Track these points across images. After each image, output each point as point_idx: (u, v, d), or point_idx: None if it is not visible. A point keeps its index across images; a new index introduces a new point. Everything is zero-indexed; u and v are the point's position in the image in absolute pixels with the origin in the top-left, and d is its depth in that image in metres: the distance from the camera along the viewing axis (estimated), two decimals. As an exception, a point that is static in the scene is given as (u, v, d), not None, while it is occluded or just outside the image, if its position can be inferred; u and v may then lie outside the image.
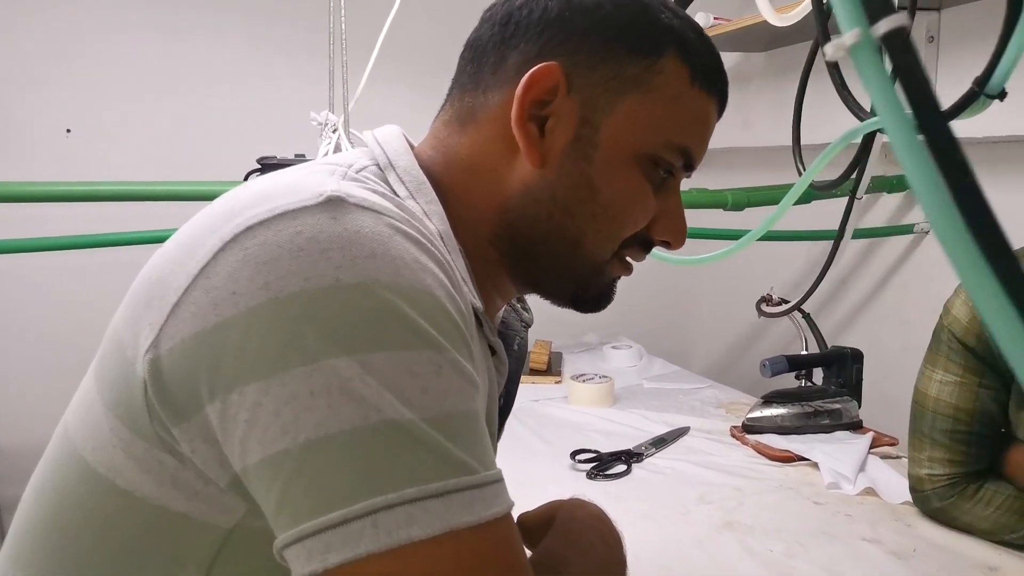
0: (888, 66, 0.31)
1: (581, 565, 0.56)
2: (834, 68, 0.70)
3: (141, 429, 0.45)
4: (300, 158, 1.47)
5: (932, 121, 0.29)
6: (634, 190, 0.56)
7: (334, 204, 0.45)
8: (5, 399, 1.95)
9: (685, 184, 1.58)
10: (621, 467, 1.25)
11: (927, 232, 1.78)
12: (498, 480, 0.44)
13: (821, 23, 0.66)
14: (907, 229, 1.79)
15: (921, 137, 0.29)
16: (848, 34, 0.30)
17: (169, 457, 0.45)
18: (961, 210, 0.28)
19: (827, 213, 1.71)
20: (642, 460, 1.29)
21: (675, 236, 0.60)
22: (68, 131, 1.96)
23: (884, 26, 0.29)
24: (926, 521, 1.05)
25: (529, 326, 0.73)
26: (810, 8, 0.71)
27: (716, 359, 2.48)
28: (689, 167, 0.58)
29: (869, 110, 0.76)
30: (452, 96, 0.60)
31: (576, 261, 0.58)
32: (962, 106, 0.52)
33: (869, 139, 0.81)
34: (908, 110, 0.30)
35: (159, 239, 1.60)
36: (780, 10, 0.84)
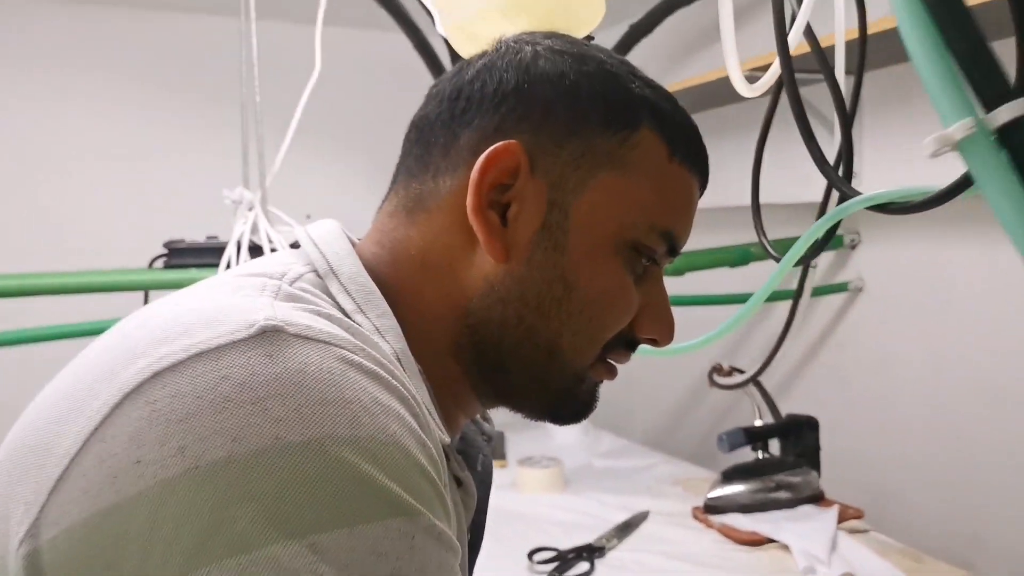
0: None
1: None
2: (810, 139, 0.65)
3: None
4: (212, 240, 1.35)
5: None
6: (615, 283, 0.48)
7: (269, 337, 0.35)
8: None
9: None
10: (584, 566, 1.15)
11: (861, 288, 1.78)
12: None
13: (791, 82, 0.61)
14: (842, 287, 1.80)
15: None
16: (957, 125, 0.23)
17: None
18: None
19: (752, 275, 1.71)
20: (604, 554, 1.19)
21: (663, 332, 0.52)
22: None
23: (1005, 115, 0.23)
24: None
25: (492, 439, 0.63)
26: (778, 73, 0.66)
27: (656, 425, 2.42)
28: (672, 252, 0.51)
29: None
30: (398, 183, 0.51)
31: (553, 370, 0.49)
32: (964, 185, 0.47)
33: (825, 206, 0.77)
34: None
35: (56, 336, 1.42)
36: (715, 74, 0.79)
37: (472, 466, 0.57)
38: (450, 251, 0.47)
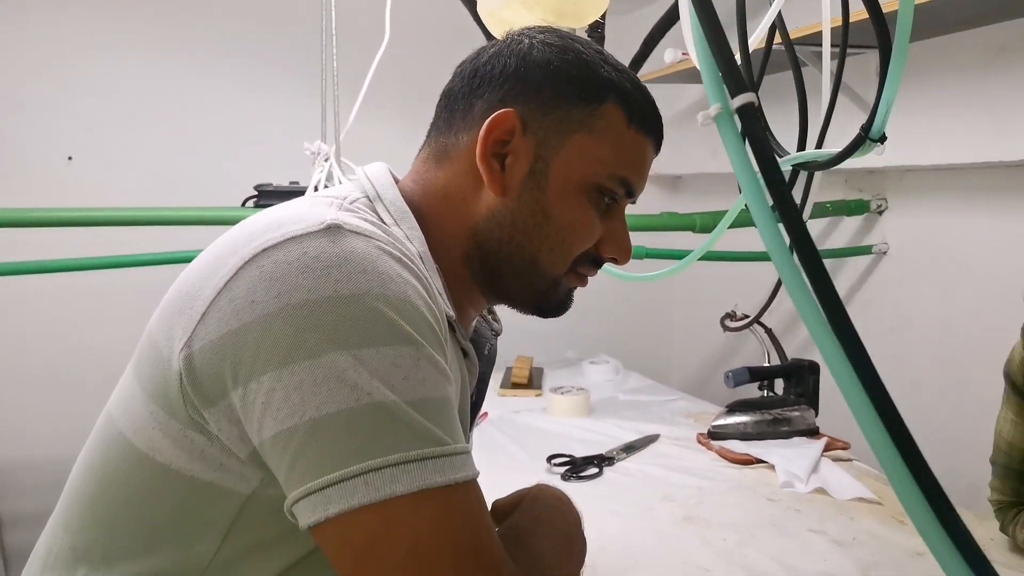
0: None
1: (543, 537, 0.66)
2: (759, 113, 0.81)
3: (176, 413, 0.55)
4: (294, 185, 1.58)
5: (771, 172, 0.40)
6: (581, 215, 0.66)
7: (333, 231, 0.55)
8: (5, 416, 2.02)
9: (657, 209, 1.74)
10: (593, 470, 1.34)
11: (885, 252, 1.90)
12: (465, 452, 0.54)
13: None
14: (866, 250, 1.91)
15: (762, 181, 0.40)
16: (713, 107, 0.41)
17: (199, 435, 0.55)
18: (788, 231, 0.39)
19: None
20: (613, 464, 1.38)
21: (620, 253, 0.71)
22: (69, 158, 2.06)
23: (739, 101, 0.40)
24: (870, 516, 1.16)
25: (498, 334, 0.83)
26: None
27: (691, 374, 2.58)
28: (630, 194, 0.69)
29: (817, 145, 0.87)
30: (430, 138, 0.71)
31: (535, 275, 0.68)
32: (852, 148, 0.63)
33: (810, 172, 0.92)
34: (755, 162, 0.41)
35: (155, 262, 1.70)
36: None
37: (480, 351, 0.76)
38: (464, 188, 0.67)
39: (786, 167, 0.75)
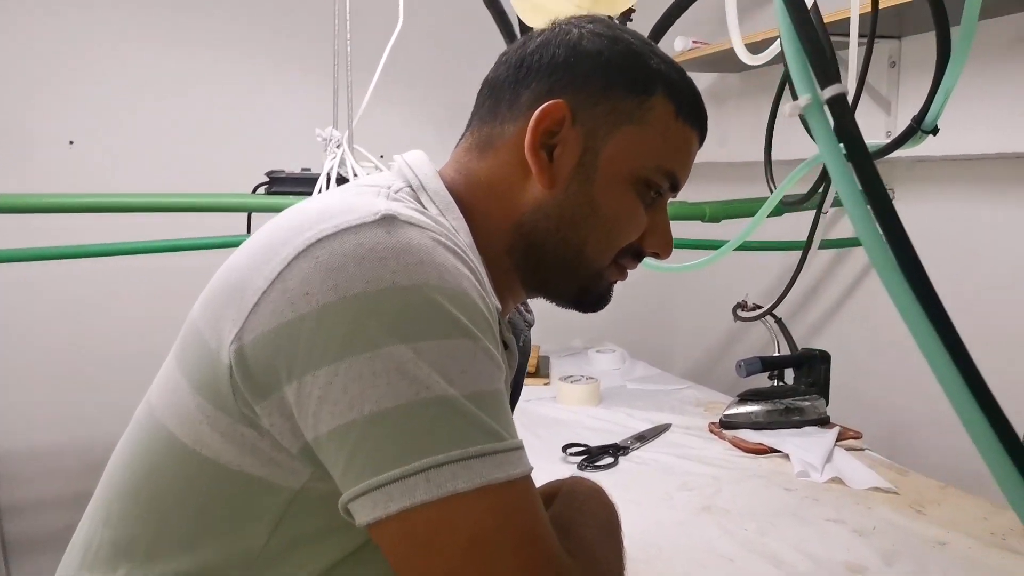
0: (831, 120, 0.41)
1: (586, 525, 0.66)
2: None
3: (226, 406, 0.54)
4: (306, 172, 1.56)
5: (865, 165, 0.39)
6: (628, 208, 0.66)
7: (388, 221, 0.54)
8: (6, 405, 2.00)
9: None
10: (609, 459, 1.35)
11: (891, 242, 1.90)
12: (521, 447, 0.53)
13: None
14: (872, 240, 1.91)
15: (854, 174, 0.39)
16: (803, 97, 0.40)
17: (249, 429, 0.54)
18: (882, 228, 0.39)
19: (798, 225, 1.84)
20: (628, 453, 1.39)
21: (663, 248, 0.70)
22: (71, 143, 2.02)
23: (829, 92, 0.40)
24: (886, 505, 1.16)
25: (531, 326, 0.83)
26: (778, 49, 0.81)
27: (695, 363, 2.59)
28: (675, 188, 0.69)
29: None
30: (472, 127, 0.70)
31: (579, 267, 0.67)
32: (903, 140, 0.63)
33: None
34: (845, 154, 0.41)
35: (161, 249, 1.68)
36: (748, 38, 0.94)
37: (516, 341, 0.76)
38: (510, 179, 0.66)
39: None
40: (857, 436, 1.45)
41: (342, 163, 1.52)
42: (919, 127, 0.60)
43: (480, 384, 0.52)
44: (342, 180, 1.51)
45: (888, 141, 0.66)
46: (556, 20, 0.69)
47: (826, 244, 2.00)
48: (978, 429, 0.37)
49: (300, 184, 1.50)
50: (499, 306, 0.63)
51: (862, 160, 0.39)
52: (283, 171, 1.52)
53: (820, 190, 1.02)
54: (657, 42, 1.10)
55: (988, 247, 1.64)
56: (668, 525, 1.10)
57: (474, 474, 0.49)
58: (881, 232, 0.39)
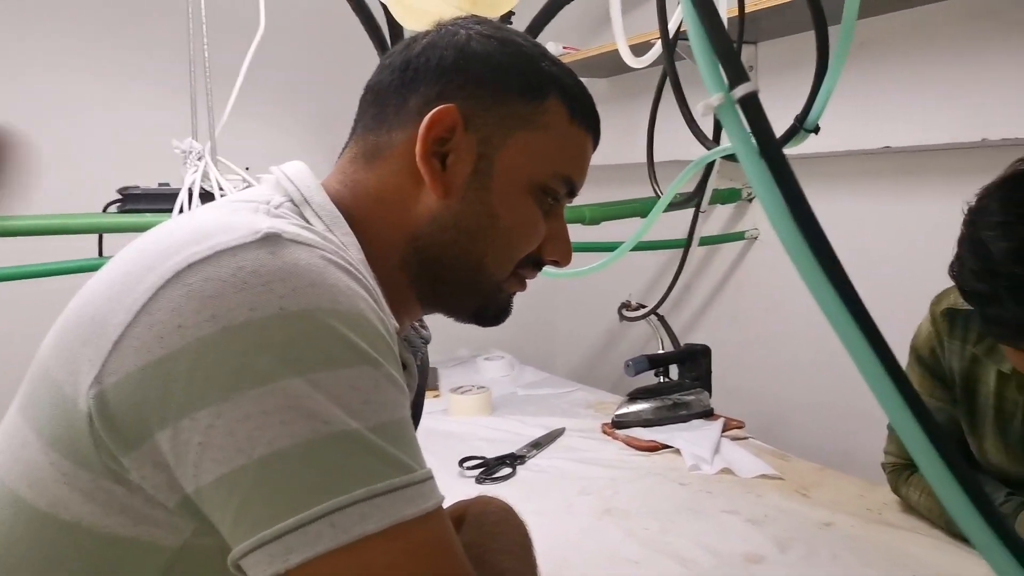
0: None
1: (501, 552, 0.63)
2: (683, 105, 0.82)
3: (86, 460, 0.47)
4: (164, 187, 1.44)
5: (777, 160, 0.38)
6: (528, 216, 0.63)
7: (271, 240, 0.49)
8: None
9: None
10: (507, 470, 1.32)
11: (756, 237, 2.00)
12: (431, 476, 0.49)
13: (672, 70, 0.77)
14: (739, 236, 2.00)
15: (766, 168, 0.38)
16: (715, 97, 0.39)
17: (117, 485, 0.47)
18: (795, 220, 0.38)
19: (666, 224, 1.90)
20: (525, 462, 1.37)
21: (563, 256, 0.68)
22: None
23: (740, 91, 0.39)
24: (775, 491, 1.21)
25: (428, 342, 0.79)
26: (660, 52, 0.82)
27: (578, 364, 2.62)
28: (572, 194, 0.67)
29: (711, 137, 0.89)
30: (356, 135, 0.65)
31: (478, 281, 0.64)
32: (787, 138, 0.64)
33: (711, 162, 0.94)
34: (757, 149, 0.40)
35: (12, 277, 1.49)
36: (632, 39, 0.94)
37: (413, 360, 0.72)
38: (401, 189, 0.62)
39: (719, 156, 0.75)
40: (740, 426, 1.50)
41: (205, 176, 1.41)
42: (801, 126, 0.62)
43: (385, 414, 0.48)
44: (207, 195, 1.40)
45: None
46: (441, 21, 0.65)
47: (704, 241, 2.08)
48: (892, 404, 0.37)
49: (158, 200, 1.38)
50: (397, 325, 0.59)
51: (776, 157, 0.38)
52: (138, 187, 1.39)
53: (700, 190, 1.04)
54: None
55: (841, 237, 1.74)
56: (572, 533, 1.09)
57: (384, 513, 0.45)
58: (796, 226, 0.38)
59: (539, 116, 0.62)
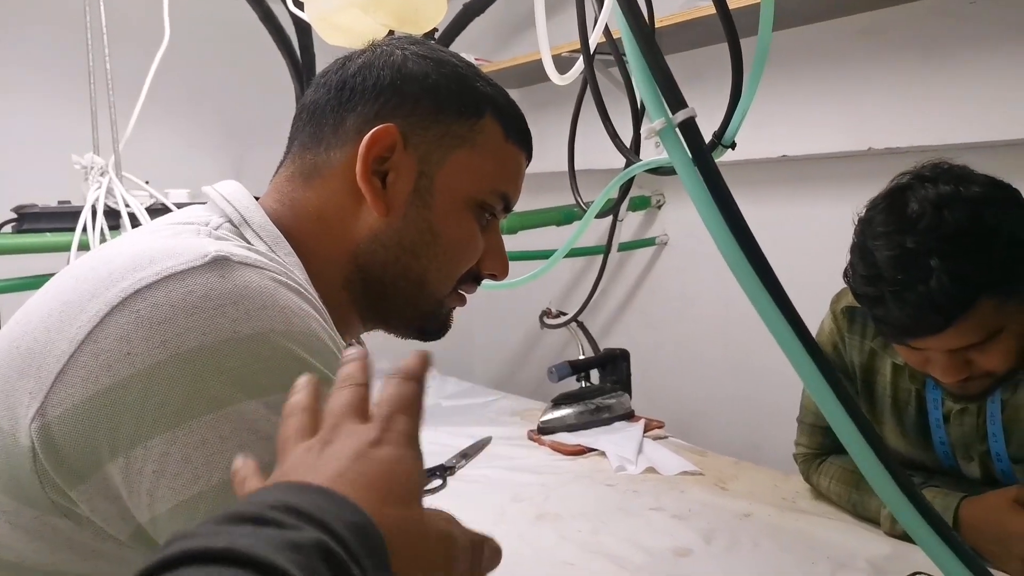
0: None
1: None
2: (606, 118, 0.85)
3: (30, 497, 0.45)
4: (65, 205, 1.37)
5: (714, 177, 0.42)
6: (468, 232, 0.65)
7: (220, 263, 0.49)
8: None
9: None
10: (437, 482, 1.32)
11: (666, 243, 2.08)
12: None
13: (594, 85, 0.80)
14: (650, 242, 2.08)
15: (703, 183, 0.42)
16: (657, 121, 0.42)
17: (63, 520, 0.46)
18: (730, 229, 0.41)
19: (571, 232, 1.94)
20: (454, 472, 1.37)
21: (500, 269, 0.70)
22: None
23: (680, 116, 0.42)
24: (696, 486, 1.26)
25: (365, 358, 0.79)
26: (581, 68, 0.85)
27: (497, 372, 2.65)
28: (507, 209, 0.69)
29: (629, 147, 0.93)
30: (292, 153, 0.65)
31: (420, 297, 0.65)
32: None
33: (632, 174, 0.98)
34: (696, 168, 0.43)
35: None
36: (556, 49, 0.97)
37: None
38: (341, 208, 0.62)
39: (638, 172, 0.79)
40: (660, 425, 1.56)
41: (110, 193, 1.35)
42: (719, 142, 0.66)
43: None
44: (112, 212, 1.35)
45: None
46: (375, 41, 0.66)
47: (621, 247, 2.15)
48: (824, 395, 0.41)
49: (58, 219, 1.31)
50: (344, 345, 0.59)
51: (713, 174, 0.41)
52: (35, 205, 1.32)
53: (618, 199, 1.09)
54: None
55: (801, 241, 1.80)
56: (507, 539, 1.09)
57: None
58: (733, 236, 0.42)
59: (476, 135, 0.64)
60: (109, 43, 1.37)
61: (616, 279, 2.23)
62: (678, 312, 2.06)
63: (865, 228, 0.92)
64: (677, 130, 0.41)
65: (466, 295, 0.70)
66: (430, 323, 0.67)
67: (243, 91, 1.83)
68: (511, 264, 0.71)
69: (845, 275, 0.95)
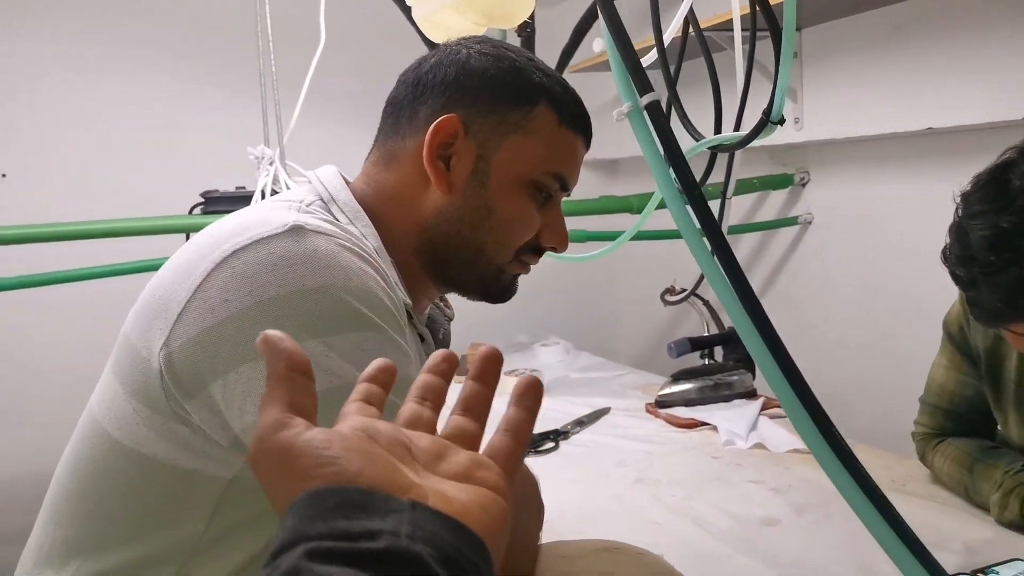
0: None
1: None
2: (677, 102, 0.89)
3: (159, 407, 0.60)
4: (241, 190, 1.60)
5: (678, 161, 0.47)
6: (521, 209, 0.73)
7: (296, 231, 0.61)
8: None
9: (595, 193, 1.84)
10: (550, 444, 1.42)
11: (810, 222, 2.01)
12: None
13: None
14: (792, 221, 2.02)
15: (671, 168, 0.47)
16: (625, 105, 0.48)
17: (182, 427, 0.60)
18: (695, 211, 0.46)
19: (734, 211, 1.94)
20: (568, 437, 1.46)
21: (559, 242, 0.77)
22: (3, 176, 2.03)
23: (646, 99, 0.47)
24: (803, 464, 1.26)
25: (451, 319, 0.89)
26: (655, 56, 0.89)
27: (640, 350, 2.69)
28: (564, 188, 0.76)
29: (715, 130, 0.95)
30: (377, 142, 0.76)
31: (481, 265, 0.74)
32: (757, 131, 0.71)
33: (714, 153, 1.00)
34: (662, 151, 0.48)
35: (103, 275, 1.69)
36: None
37: (435, 336, 0.83)
38: (413, 188, 0.73)
39: (703, 149, 0.83)
40: (780, 404, 1.54)
41: (275, 179, 1.57)
42: (768, 119, 0.69)
43: None
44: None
45: (746, 133, 0.74)
46: (448, 41, 0.75)
47: (754, 227, 2.12)
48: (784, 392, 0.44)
49: (235, 202, 1.54)
50: (410, 302, 0.70)
51: (676, 156, 0.46)
52: (217, 190, 1.56)
53: (725, 178, 1.10)
54: (577, 44, 1.17)
55: (892, 219, 1.75)
56: (603, 498, 1.18)
57: None
58: (695, 219, 0.47)
59: (529, 122, 0.71)
60: (275, 48, 1.58)
61: (758, 259, 2.19)
62: (818, 295, 1.99)
63: (963, 206, 0.88)
64: (644, 112, 0.47)
65: (529, 264, 0.78)
66: (492, 287, 0.76)
67: (391, 87, 2.01)
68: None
69: (942, 255, 0.92)
